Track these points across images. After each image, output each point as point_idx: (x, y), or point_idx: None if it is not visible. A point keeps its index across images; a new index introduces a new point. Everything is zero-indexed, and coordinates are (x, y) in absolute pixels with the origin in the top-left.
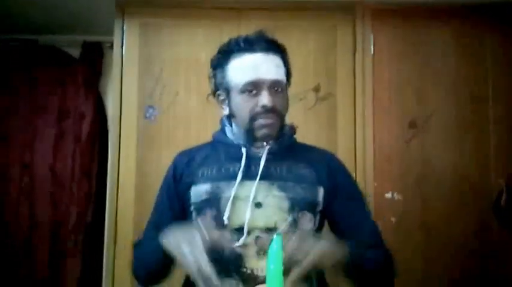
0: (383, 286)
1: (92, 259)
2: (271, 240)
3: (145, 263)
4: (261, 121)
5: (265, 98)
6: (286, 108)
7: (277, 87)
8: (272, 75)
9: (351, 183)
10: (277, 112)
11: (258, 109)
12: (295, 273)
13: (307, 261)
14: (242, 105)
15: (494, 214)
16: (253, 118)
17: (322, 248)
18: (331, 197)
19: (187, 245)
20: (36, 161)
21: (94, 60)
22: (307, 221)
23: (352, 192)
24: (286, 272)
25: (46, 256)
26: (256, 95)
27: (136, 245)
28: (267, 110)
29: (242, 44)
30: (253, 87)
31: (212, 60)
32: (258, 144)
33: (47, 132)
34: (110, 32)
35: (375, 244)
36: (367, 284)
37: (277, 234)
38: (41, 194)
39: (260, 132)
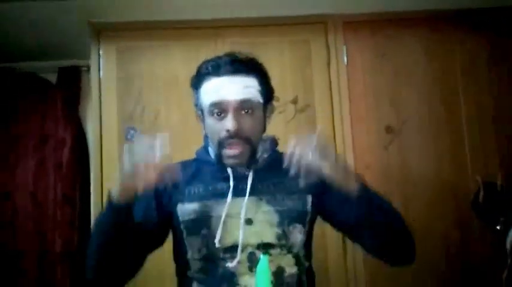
0: (403, 240)
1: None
2: (258, 259)
3: (101, 236)
4: (227, 152)
5: (229, 122)
6: (259, 129)
7: (246, 109)
8: (237, 95)
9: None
10: (243, 137)
11: (223, 133)
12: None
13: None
14: (211, 128)
15: (473, 210)
16: (220, 145)
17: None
18: (319, 202)
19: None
20: (17, 189)
21: (71, 85)
22: (298, 233)
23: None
24: None
25: (33, 284)
26: (223, 118)
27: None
28: (231, 136)
29: (210, 68)
30: (219, 109)
31: (191, 81)
32: (239, 168)
33: (27, 160)
34: (86, 56)
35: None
36: (385, 234)
37: (264, 254)
38: (24, 223)
39: (229, 162)
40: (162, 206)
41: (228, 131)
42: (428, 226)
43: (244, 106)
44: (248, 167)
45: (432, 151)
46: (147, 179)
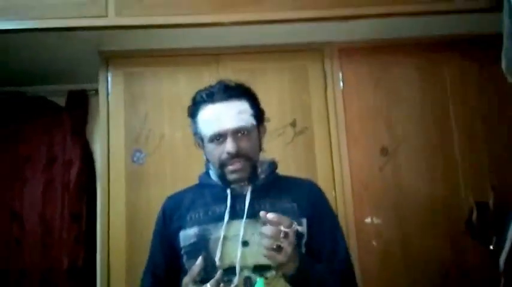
0: None
1: None
2: (255, 282)
3: None
4: (229, 167)
5: (228, 145)
6: (255, 147)
7: (242, 132)
8: (233, 123)
9: (329, 211)
10: (243, 156)
11: (224, 156)
12: None
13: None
14: (212, 153)
15: (467, 229)
16: (222, 165)
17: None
18: (313, 225)
19: None
20: (26, 209)
21: (79, 108)
22: None
23: (330, 220)
24: None
25: None
26: (222, 142)
27: None
28: (232, 156)
29: (205, 96)
30: (218, 137)
31: (188, 111)
32: (241, 183)
33: (35, 180)
34: (94, 80)
35: (346, 272)
36: None
37: (260, 278)
38: (31, 242)
39: (231, 177)
40: (168, 246)
41: (228, 153)
42: (423, 245)
43: (240, 130)
44: (249, 183)
45: (426, 173)
46: None
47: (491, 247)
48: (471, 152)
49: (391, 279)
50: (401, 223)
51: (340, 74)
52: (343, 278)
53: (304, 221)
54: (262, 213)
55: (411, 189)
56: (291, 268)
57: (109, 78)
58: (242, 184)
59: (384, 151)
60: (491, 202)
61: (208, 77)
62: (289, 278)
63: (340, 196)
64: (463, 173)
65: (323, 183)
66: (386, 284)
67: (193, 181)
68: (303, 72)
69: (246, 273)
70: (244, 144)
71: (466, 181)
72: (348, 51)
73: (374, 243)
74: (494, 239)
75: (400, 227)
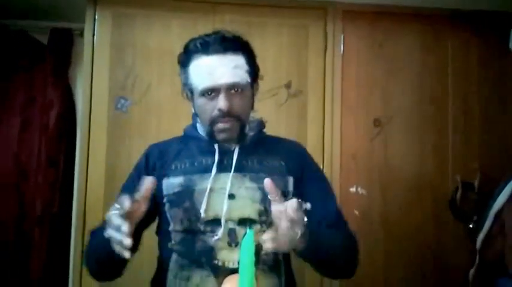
0: (342, 270)
1: (57, 251)
2: (245, 233)
3: (94, 251)
4: (219, 126)
5: (221, 102)
6: (248, 107)
7: (235, 89)
8: (228, 78)
9: (317, 168)
10: (234, 115)
11: (215, 113)
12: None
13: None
14: (202, 108)
15: (450, 208)
16: (212, 122)
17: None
18: (300, 185)
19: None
20: (0, 149)
21: (63, 48)
22: None
23: (318, 176)
24: None
25: (9, 247)
26: (214, 98)
27: (93, 233)
28: (224, 114)
29: (199, 46)
30: (211, 91)
31: (178, 58)
32: (229, 142)
33: (11, 120)
34: (80, 19)
35: (337, 225)
36: (326, 266)
37: (250, 228)
38: (3, 183)
39: (220, 136)
40: None
41: (220, 110)
42: (405, 219)
43: (233, 87)
44: (237, 142)
45: (416, 147)
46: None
47: (470, 226)
48: (464, 130)
49: (370, 250)
50: (385, 195)
51: (342, 37)
52: (339, 230)
53: (290, 179)
54: (266, 180)
55: (399, 162)
56: (302, 243)
57: (96, 17)
58: (230, 142)
59: (377, 122)
60: (476, 183)
61: (203, 27)
62: (300, 253)
63: (328, 164)
64: (453, 152)
65: (312, 148)
66: (364, 255)
67: (178, 134)
68: (303, 32)
69: (231, 225)
70: (237, 102)
71: (456, 160)
72: (352, 14)
73: (356, 213)
74: (474, 218)
75: (383, 199)
